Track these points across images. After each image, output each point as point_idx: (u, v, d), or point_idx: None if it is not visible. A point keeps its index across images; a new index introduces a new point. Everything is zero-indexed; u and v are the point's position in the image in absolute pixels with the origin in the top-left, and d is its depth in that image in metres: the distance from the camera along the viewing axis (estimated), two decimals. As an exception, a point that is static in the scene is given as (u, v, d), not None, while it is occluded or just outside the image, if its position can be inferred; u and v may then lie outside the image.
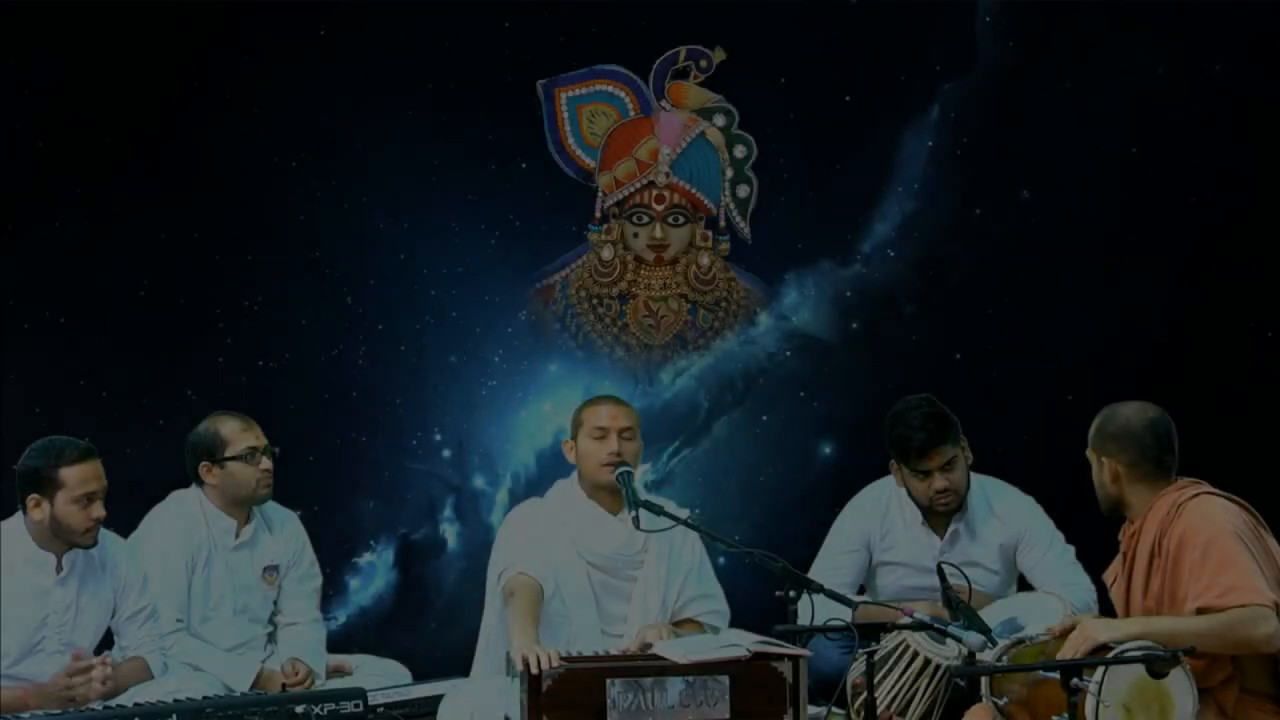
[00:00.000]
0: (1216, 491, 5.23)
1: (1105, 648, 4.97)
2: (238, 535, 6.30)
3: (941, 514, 6.42)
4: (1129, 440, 5.25)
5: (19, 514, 5.78)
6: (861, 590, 6.60)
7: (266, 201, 7.90)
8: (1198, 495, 5.19)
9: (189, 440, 6.28)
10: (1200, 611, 5.03)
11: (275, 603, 6.43)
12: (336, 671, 6.33)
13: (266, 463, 6.25)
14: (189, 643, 6.07)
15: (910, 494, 6.41)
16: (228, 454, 6.21)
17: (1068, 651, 4.99)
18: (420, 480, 8.09)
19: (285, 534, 6.44)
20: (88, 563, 5.84)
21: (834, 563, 6.51)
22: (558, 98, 8.13)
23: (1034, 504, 6.54)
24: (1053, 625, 5.25)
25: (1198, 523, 5.09)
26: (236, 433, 6.23)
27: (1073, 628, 5.12)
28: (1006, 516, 6.47)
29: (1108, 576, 5.44)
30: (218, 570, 6.26)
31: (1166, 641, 4.95)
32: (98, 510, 5.69)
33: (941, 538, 6.45)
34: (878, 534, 6.53)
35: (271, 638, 6.45)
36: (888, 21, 8.06)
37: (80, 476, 5.66)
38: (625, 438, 6.01)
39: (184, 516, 6.25)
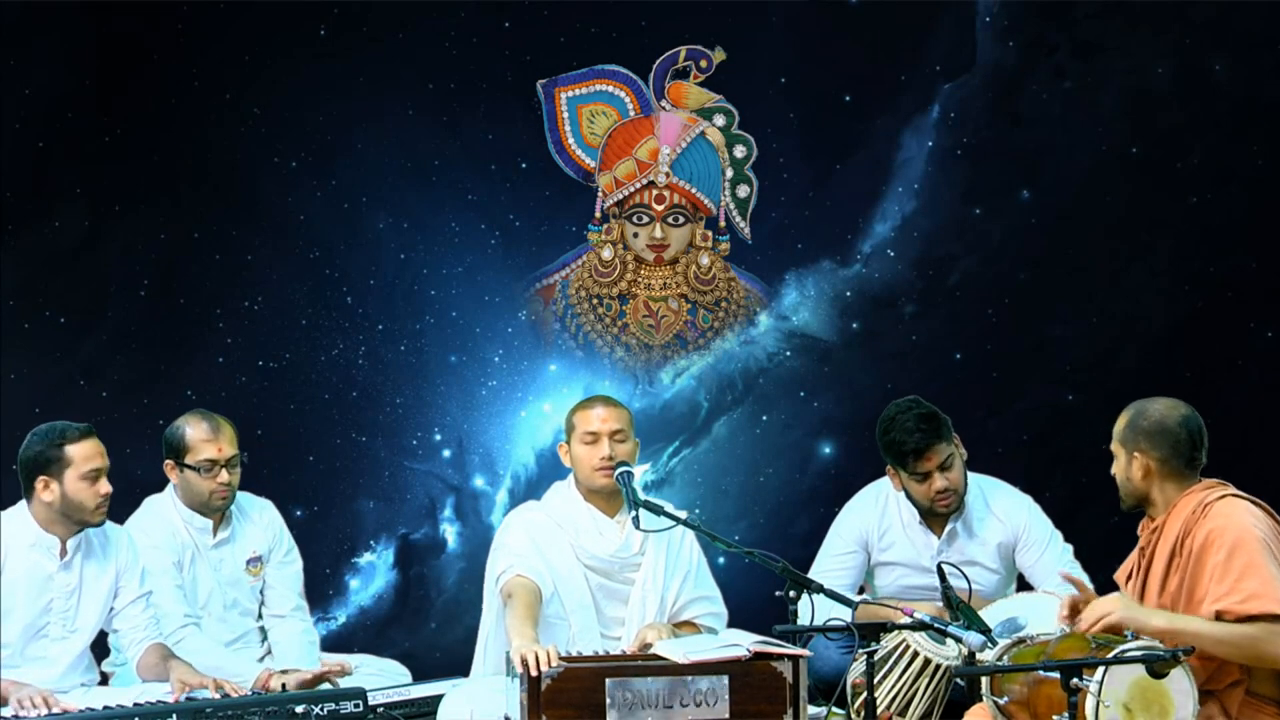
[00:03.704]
0: (1242, 494, 5.19)
1: (1108, 644, 4.97)
2: (215, 534, 6.31)
3: (940, 514, 6.41)
4: (1163, 437, 5.21)
5: (21, 503, 5.86)
6: (861, 591, 6.59)
7: (266, 201, 7.91)
8: (1224, 497, 5.15)
9: (164, 433, 6.30)
10: (1219, 614, 5.00)
11: (262, 593, 6.43)
12: (339, 672, 6.32)
13: (225, 475, 6.21)
14: (194, 641, 6.07)
15: (909, 496, 6.40)
16: (187, 460, 6.21)
17: (1084, 623, 4.98)
18: (420, 480, 8.09)
19: (263, 522, 6.45)
20: (89, 547, 5.91)
21: (832, 564, 6.50)
22: (558, 98, 8.13)
23: (1032, 503, 6.53)
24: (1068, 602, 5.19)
25: (1223, 524, 5.06)
26: (199, 441, 6.20)
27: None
28: (1005, 516, 6.47)
29: (1121, 573, 5.41)
30: (202, 570, 6.27)
31: (1188, 640, 4.93)
32: (105, 486, 5.79)
33: (939, 537, 6.44)
34: (875, 535, 6.52)
35: (265, 633, 6.48)
36: (888, 21, 8.07)
37: (85, 453, 5.77)
38: (618, 440, 6.00)
39: (162, 520, 6.26)
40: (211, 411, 6.33)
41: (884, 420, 6.33)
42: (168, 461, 6.25)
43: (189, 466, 6.19)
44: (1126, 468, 5.26)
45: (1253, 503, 5.17)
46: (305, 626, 6.47)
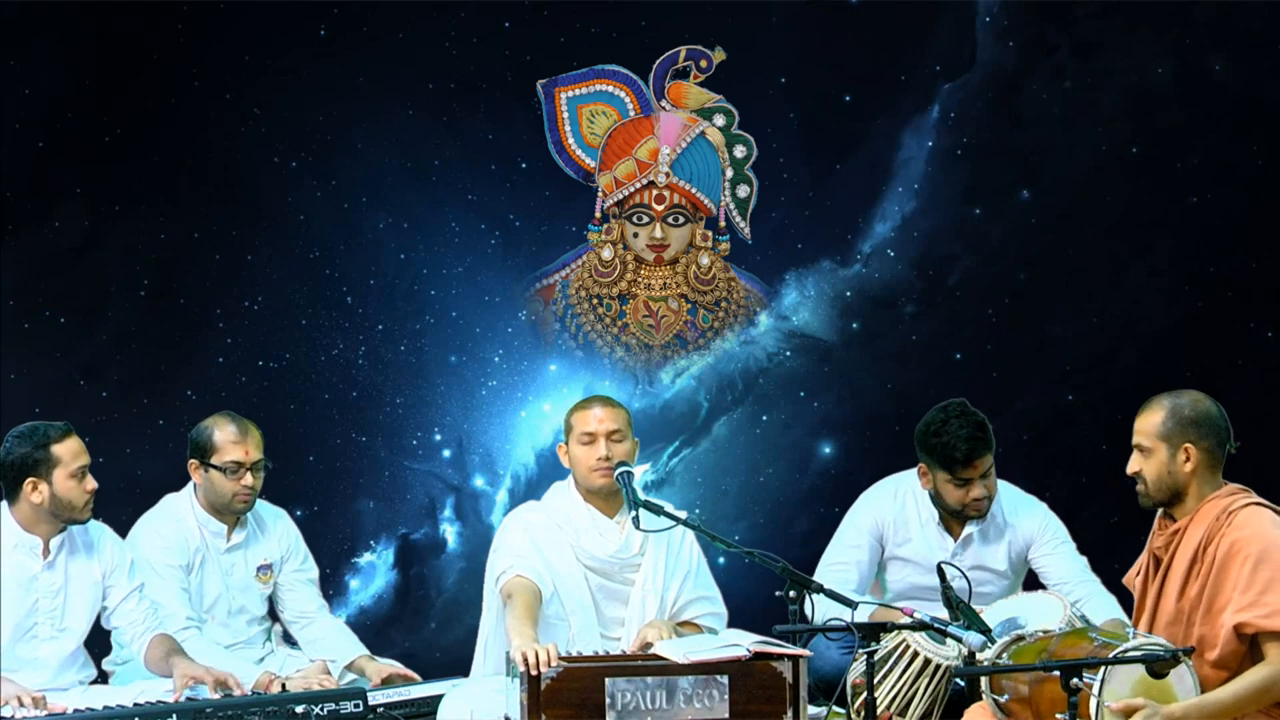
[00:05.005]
0: (1265, 502, 5.16)
1: (1110, 644, 4.96)
2: (229, 538, 6.32)
3: (969, 517, 6.40)
4: (1210, 426, 5.18)
5: (1, 504, 5.89)
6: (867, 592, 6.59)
7: (266, 201, 7.91)
8: (1248, 505, 5.12)
9: (190, 432, 6.32)
10: (1240, 627, 4.97)
11: (273, 599, 6.46)
12: (406, 678, 6.29)
13: (249, 479, 6.24)
14: (194, 644, 6.08)
15: (941, 498, 6.37)
16: (213, 460, 6.23)
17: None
18: (420, 480, 8.09)
19: (277, 531, 6.48)
20: (73, 546, 5.95)
21: (845, 555, 6.49)
22: (558, 98, 8.13)
23: (1048, 509, 6.54)
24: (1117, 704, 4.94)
25: (1249, 534, 5.02)
26: (227, 442, 6.23)
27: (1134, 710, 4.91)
28: (1020, 522, 6.47)
29: (1132, 574, 5.38)
30: (211, 573, 6.30)
31: (1224, 712, 4.90)
32: (91, 483, 5.85)
33: (955, 540, 6.44)
34: (890, 528, 6.50)
35: (285, 638, 6.52)
36: (888, 21, 8.07)
37: (72, 450, 5.82)
38: (615, 440, 6.00)
39: (175, 522, 6.28)
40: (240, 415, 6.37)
41: (932, 423, 6.29)
42: (192, 461, 6.28)
43: (214, 467, 6.21)
44: (1170, 461, 5.18)
45: (1277, 512, 5.13)
46: (339, 621, 6.58)
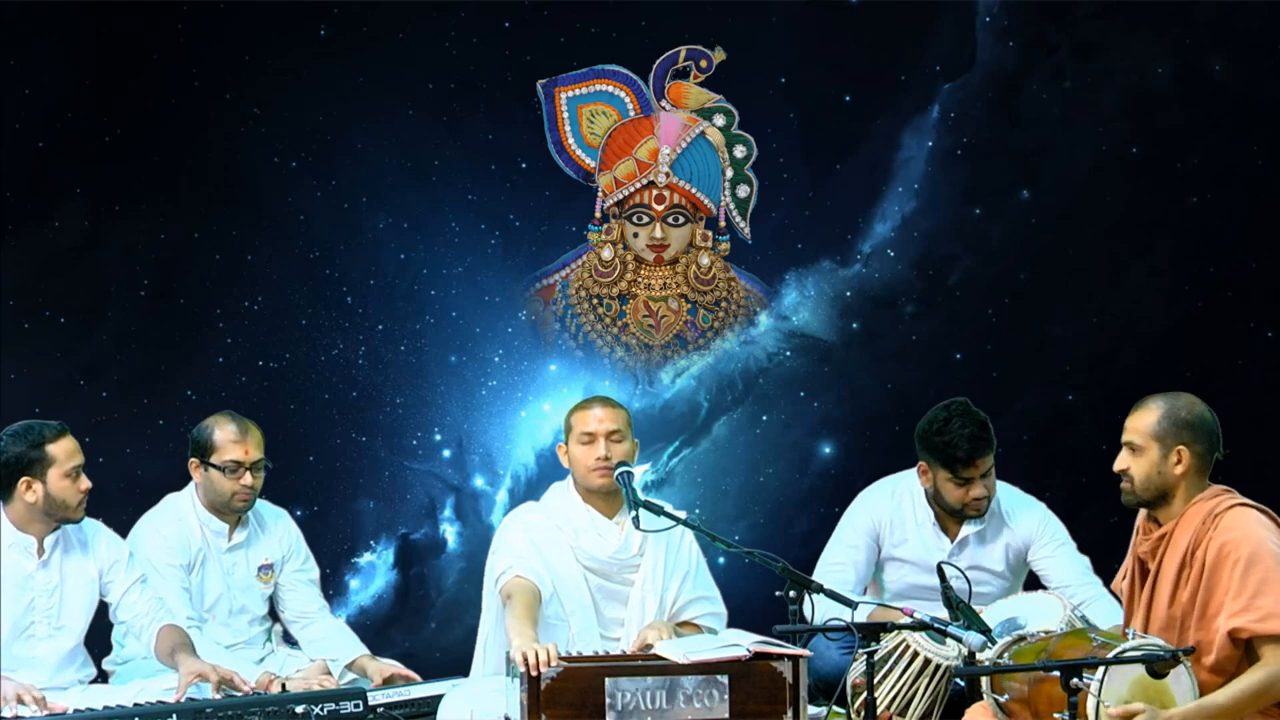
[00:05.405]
0: (1251, 503, 5.13)
1: (1109, 644, 4.96)
2: (230, 538, 6.33)
3: (968, 517, 6.40)
4: (1204, 430, 5.15)
5: None
6: (865, 591, 6.59)
7: (266, 201, 7.91)
8: (1233, 506, 5.09)
9: (191, 432, 6.33)
10: (1234, 632, 4.95)
11: (273, 599, 6.47)
12: (407, 678, 6.28)
13: (249, 478, 6.25)
14: (197, 642, 6.08)
15: (941, 497, 6.37)
16: (212, 460, 6.24)
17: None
18: (420, 480, 8.09)
19: (278, 531, 6.49)
20: (67, 545, 5.96)
21: (842, 555, 6.49)
22: (558, 98, 8.13)
23: (1046, 510, 6.53)
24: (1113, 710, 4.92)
25: (1238, 536, 5.00)
26: (227, 442, 6.24)
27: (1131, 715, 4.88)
28: (1018, 523, 6.47)
29: (1119, 579, 5.37)
30: (212, 572, 6.30)
31: (1223, 714, 4.88)
32: (85, 482, 5.86)
33: (952, 541, 6.44)
34: (887, 528, 6.50)
35: (285, 638, 6.52)
36: (888, 21, 8.07)
37: (67, 450, 5.83)
38: (614, 440, 6.00)
39: (177, 521, 6.29)
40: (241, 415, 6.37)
41: (935, 421, 6.30)
42: (192, 460, 6.29)
43: (214, 466, 6.22)
44: (1161, 462, 5.14)
45: (1262, 512, 5.11)
46: (339, 621, 6.59)
